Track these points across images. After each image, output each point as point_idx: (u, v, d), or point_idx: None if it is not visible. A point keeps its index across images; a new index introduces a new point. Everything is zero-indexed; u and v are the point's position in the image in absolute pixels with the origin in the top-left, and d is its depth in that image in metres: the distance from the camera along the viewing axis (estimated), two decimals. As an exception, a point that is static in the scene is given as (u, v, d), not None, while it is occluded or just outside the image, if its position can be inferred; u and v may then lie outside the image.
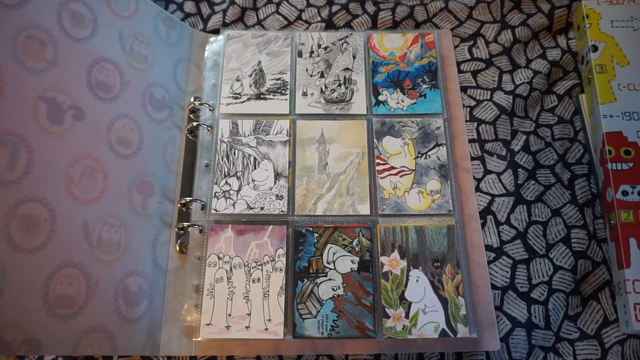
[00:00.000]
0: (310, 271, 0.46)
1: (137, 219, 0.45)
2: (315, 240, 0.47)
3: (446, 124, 0.52)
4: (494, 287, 0.47)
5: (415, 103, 0.53)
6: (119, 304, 0.42)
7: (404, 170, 0.50)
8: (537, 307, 0.46)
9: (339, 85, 0.54)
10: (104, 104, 0.44)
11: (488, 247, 0.49)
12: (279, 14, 0.61)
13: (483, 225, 0.50)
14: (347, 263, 0.46)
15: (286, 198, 0.48)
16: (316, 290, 0.45)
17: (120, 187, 0.44)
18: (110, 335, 0.41)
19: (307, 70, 0.55)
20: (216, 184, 0.49)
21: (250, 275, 0.45)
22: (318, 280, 0.45)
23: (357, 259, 0.46)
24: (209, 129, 0.52)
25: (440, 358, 0.45)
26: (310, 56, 0.56)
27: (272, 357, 0.45)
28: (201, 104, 0.52)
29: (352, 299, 0.44)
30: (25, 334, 0.36)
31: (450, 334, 0.43)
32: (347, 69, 0.55)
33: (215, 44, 0.57)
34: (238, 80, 0.54)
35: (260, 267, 0.46)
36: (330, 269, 0.46)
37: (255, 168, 0.50)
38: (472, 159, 0.52)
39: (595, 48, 0.53)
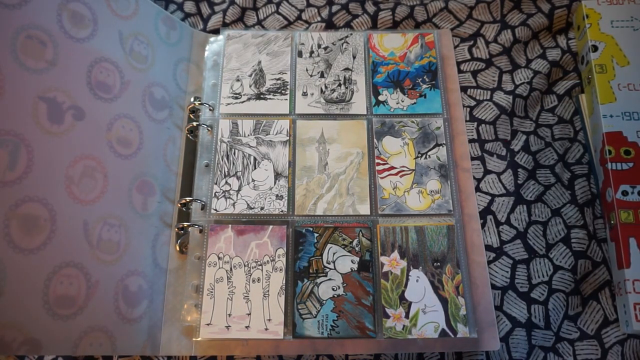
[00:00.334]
0: (310, 271, 0.46)
1: (137, 219, 0.45)
2: (315, 240, 0.47)
3: (446, 124, 0.52)
4: (494, 287, 0.47)
5: (415, 103, 0.53)
6: (119, 304, 0.42)
7: (404, 170, 0.50)
8: (537, 307, 0.46)
9: (339, 85, 0.54)
10: (104, 104, 0.44)
11: (488, 247, 0.49)
12: (279, 14, 0.61)
13: (483, 225, 0.50)
14: (347, 263, 0.46)
15: (286, 198, 0.48)
16: (316, 290, 0.45)
17: (120, 187, 0.44)
18: (110, 335, 0.41)
19: (307, 70, 0.55)
20: (216, 184, 0.49)
21: (250, 275, 0.45)
22: (318, 280, 0.45)
23: (357, 259, 0.46)
24: (209, 129, 0.52)
25: (440, 358, 0.45)
26: (310, 56, 0.56)
27: (272, 357, 0.45)
28: (201, 104, 0.52)
29: (352, 299, 0.44)
30: (25, 334, 0.36)
31: (450, 334, 0.43)
32: (347, 69, 0.55)
33: (215, 44, 0.57)
34: (238, 80, 0.54)
35: (260, 267, 0.46)
36: (330, 269, 0.46)
37: (255, 168, 0.50)
38: (472, 159, 0.52)
39: (595, 48, 0.53)
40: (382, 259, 0.46)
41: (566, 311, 0.46)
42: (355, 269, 0.46)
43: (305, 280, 0.45)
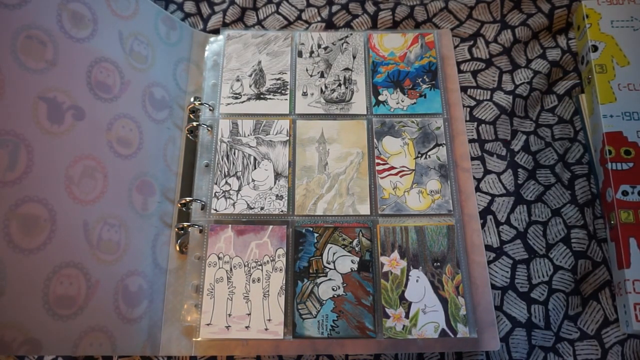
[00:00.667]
0: (310, 271, 0.46)
1: (137, 219, 0.45)
2: (315, 240, 0.47)
3: (446, 124, 0.52)
4: (494, 287, 0.47)
5: (415, 103, 0.53)
6: (119, 304, 0.42)
7: (404, 170, 0.50)
8: (537, 307, 0.46)
9: (339, 85, 0.54)
10: (104, 104, 0.44)
11: (488, 247, 0.49)
12: (279, 14, 0.61)
13: (483, 225, 0.50)
14: (347, 263, 0.46)
15: (286, 198, 0.48)
16: (316, 290, 0.45)
17: (120, 187, 0.44)
18: (110, 335, 0.41)
19: (307, 70, 0.55)
20: (216, 184, 0.49)
21: (250, 275, 0.45)
22: (318, 280, 0.45)
23: (357, 259, 0.46)
24: (209, 129, 0.52)
25: (440, 358, 0.45)
26: (310, 56, 0.56)
27: (272, 357, 0.45)
28: (201, 104, 0.52)
29: (352, 299, 0.44)
30: (25, 334, 0.36)
31: (450, 334, 0.43)
32: (347, 69, 0.55)
33: (215, 44, 0.57)
34: (238, 80, 0.54)
35: (260, 267, 0.46)
36: (330, 269, 0.46)
37: (255, 168, 0.50)
38: (472, 159, 0.52)
39: (595, 48, 0.53)
40: (382, 259, 0.46)
41: (566, 311, 0.46)
42: (355, 269, 0.46)
43: (305, 280, 0.45)
